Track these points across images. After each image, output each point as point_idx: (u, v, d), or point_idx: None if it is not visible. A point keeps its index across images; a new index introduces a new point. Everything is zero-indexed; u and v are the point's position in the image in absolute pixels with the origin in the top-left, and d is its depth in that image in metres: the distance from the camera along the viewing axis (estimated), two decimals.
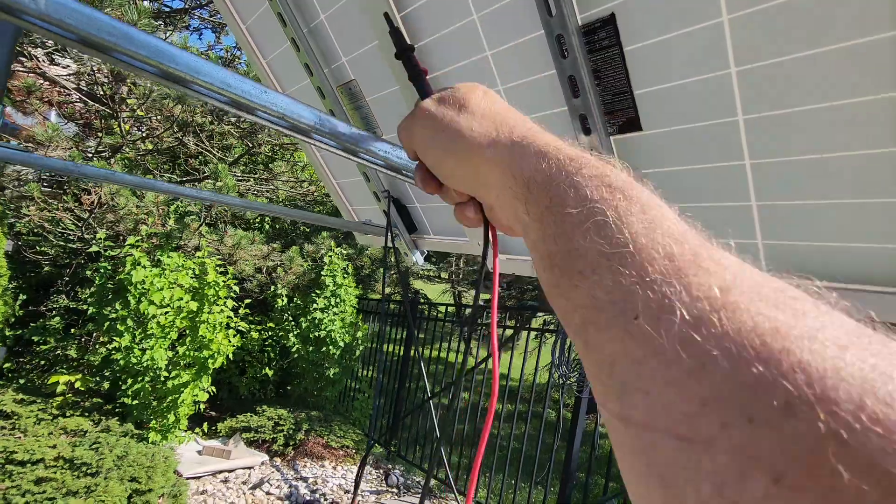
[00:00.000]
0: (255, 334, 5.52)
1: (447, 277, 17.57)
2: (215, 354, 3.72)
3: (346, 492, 4.25)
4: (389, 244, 1.42)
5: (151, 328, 3.39)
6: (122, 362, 3.33)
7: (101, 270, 3.37)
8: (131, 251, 3.28)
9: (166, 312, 3.45)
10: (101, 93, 4.37)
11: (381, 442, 5.38)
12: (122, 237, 3.64)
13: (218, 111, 5.94)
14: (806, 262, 0.77)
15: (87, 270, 3.61)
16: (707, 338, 0.20)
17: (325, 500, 4.02)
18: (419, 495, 4.45)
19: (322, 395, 5.70)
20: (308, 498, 3.99)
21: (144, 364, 3.41)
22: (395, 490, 4.47)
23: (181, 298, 3.54)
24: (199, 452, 4.38)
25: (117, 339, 3.28)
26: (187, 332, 3.70)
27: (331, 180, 1.86)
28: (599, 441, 7.00)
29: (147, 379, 3.56)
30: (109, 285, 3.39)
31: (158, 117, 4.61)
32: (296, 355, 5.41)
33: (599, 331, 0.24)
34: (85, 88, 5.26)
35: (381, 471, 4.82)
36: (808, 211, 0.72)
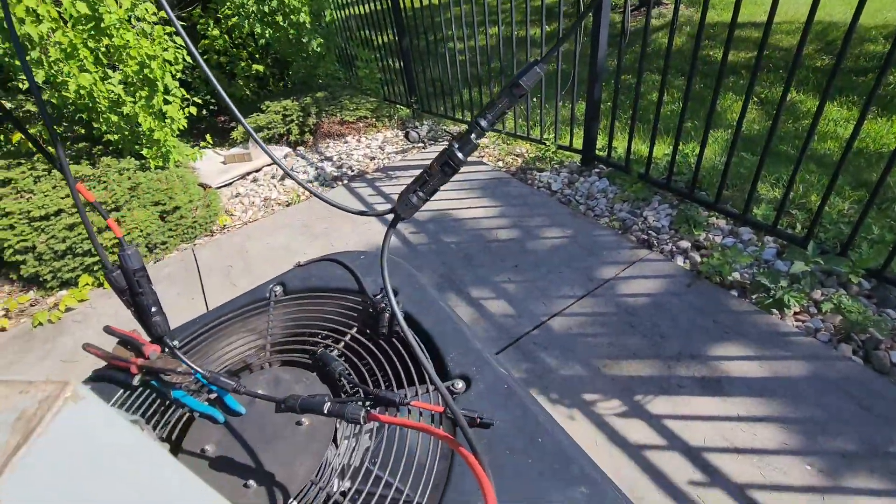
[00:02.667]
0: (215, 31, 4.65)
1: None
2: (149, 63, 3.10)
3: (371, 159, 4.19)
4: None
5: (53, 54, 2.77)
6: (55, 101, 2.90)
7: None
8: None
9: (49, 33, 2.72)
10: None
11: (401, 103, 5.02)
12: None
13: None
14: None
15: None
16: None
17: (352, 171, 4.02)
18: (448, 144, 4.31)
19: (321, 73, 5.13)
20: (335, 174, 4.00)
21: (81, 95, 2.97)
22: (420, 145, 4.34)
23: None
24: (223, 163, 4.39)
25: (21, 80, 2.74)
26: (100, 48, 3.02)
27: None
28: (651, 37, 6.02)
29: (105, 109, 3.18)
30: None
31: None
32: (264, 41, 4.60)
33: None
34: None
35: (404, 131, 4.62)
36: None
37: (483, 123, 0.55)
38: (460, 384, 0.89)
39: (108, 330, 0.96)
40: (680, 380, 1.88)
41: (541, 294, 2.42)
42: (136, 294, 0.65)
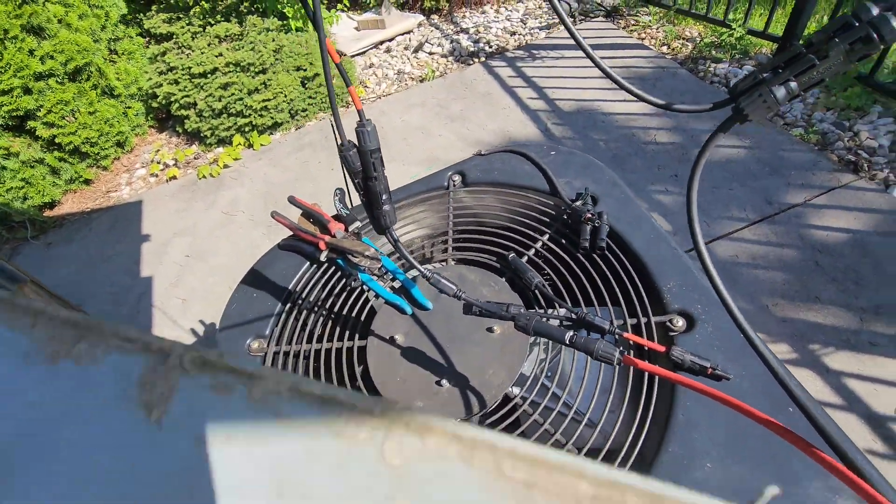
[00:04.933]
0: None
1: None
2: None
3: (512, 34, 3.76)
4: None
5: None
6: None
7: None
8: None
9: None
10: None
11: None
12: None
13: None
14: None
15: None
16: None
17: (490, 47, 3.65)
18: (600, 16, 3.70)
19: None
20: (472, 49, 3.67)
21: None
22: (569, 20, 3.77)
23: None
24: (356, 29, 4.22)
25: None
26: None
27: None
28: None
29: None
30: None
31: None
32: None
33: None
34: None
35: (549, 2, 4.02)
36: None
37: None
38: (680, 321, 0.76)
39: (292, 200, 0.95)
40: (874, 336, 1.60)
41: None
42: (370, 178, 0.57)
